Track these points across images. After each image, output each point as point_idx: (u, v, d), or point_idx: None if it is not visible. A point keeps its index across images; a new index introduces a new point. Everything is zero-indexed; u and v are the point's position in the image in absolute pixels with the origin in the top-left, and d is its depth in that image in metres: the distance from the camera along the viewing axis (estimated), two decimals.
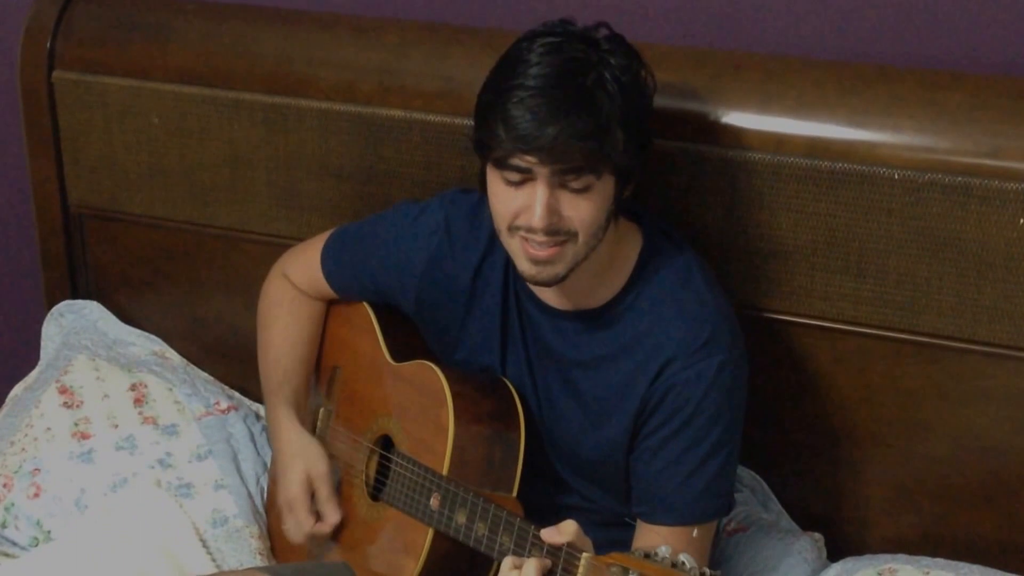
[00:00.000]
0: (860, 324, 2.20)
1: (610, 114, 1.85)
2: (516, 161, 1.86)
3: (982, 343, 2.14)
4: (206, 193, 2.59)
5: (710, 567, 2.04)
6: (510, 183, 1.89)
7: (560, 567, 1.73)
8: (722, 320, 1.98)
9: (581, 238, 1.89)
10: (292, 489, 2.19)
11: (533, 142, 1.82)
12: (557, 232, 1.88)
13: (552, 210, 1.86)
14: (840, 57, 2.24)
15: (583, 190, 1.87)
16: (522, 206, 1.88)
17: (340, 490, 2.21)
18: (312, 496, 2.20)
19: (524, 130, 1.83)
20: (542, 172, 1.85)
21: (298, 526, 2.19)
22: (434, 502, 1.97)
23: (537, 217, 1.86)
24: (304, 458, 2.20)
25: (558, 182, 1.86)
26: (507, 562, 1.76)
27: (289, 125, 2.47)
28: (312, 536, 2.20)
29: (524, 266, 1.93)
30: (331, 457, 2.23)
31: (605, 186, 1.89)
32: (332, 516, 2.18)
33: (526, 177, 1.87)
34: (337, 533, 2.21)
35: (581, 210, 1.88)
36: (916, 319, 2.16)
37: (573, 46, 1.87)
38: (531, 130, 1.82)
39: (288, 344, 2.30)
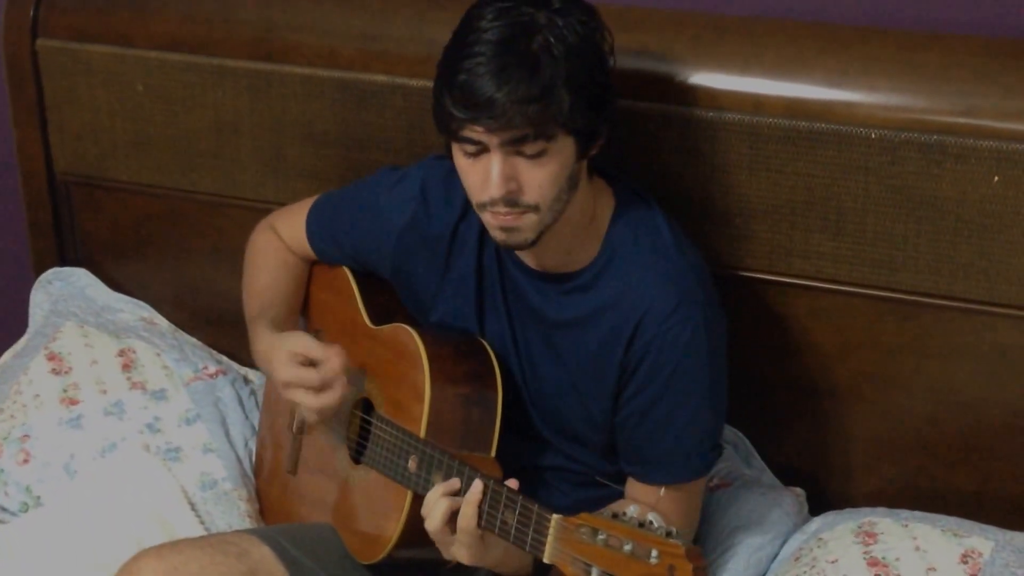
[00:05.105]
0: (839, 282, 2.22)
1: (554, 77, 1.82)
2: (467, 133, 1.85)
3: (959, 299, 2.16)
4: (192, 160, 2.61)
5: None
6: (468, 155, 1.89)
7: (532, 528, 1.75)
8: (694, 280, 1.99)
9: (542, 206, 1.89)
10: (282, 371, 2.07)
11: (479, 111, 1.81)
12: (516, 203, 1.88)
13: (508, 178, 1.86)
14: (817, 18, 2.24)
15: (538, 155, 1.86)
16: (482, 178, 1.88)
17: (323, 452, 2.24)
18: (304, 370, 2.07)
19: (469, 101, 1.82)
20: (493, 142, 1.84)
21: (305, 384, 2.04)
22: (412, 464, 1.98)
23: (493, 187, 1.86)
24: (283, 341, 2.10)
25: (512, 150, 1.85)
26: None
27: (272, 91, 2.48)
28: (326, 385, 2.04)
29: (495, 233, 1.94)
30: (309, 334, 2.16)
31: (562, 149, 1.88)
32: (328, 351, 2.03)
33: (481, 148, 1.86)
34: (321, 495, 2.23)
35: (538, 177, 1.87)
36: (894, 276, 2.18)
37: (522, 9, 1.85)
38: (476, 100, 1.81)
39: (272, 281, 2.29)
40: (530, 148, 1.85)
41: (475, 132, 1.85)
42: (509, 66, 1.81)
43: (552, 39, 1.84)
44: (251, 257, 2.35)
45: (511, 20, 1.84)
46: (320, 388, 2.04)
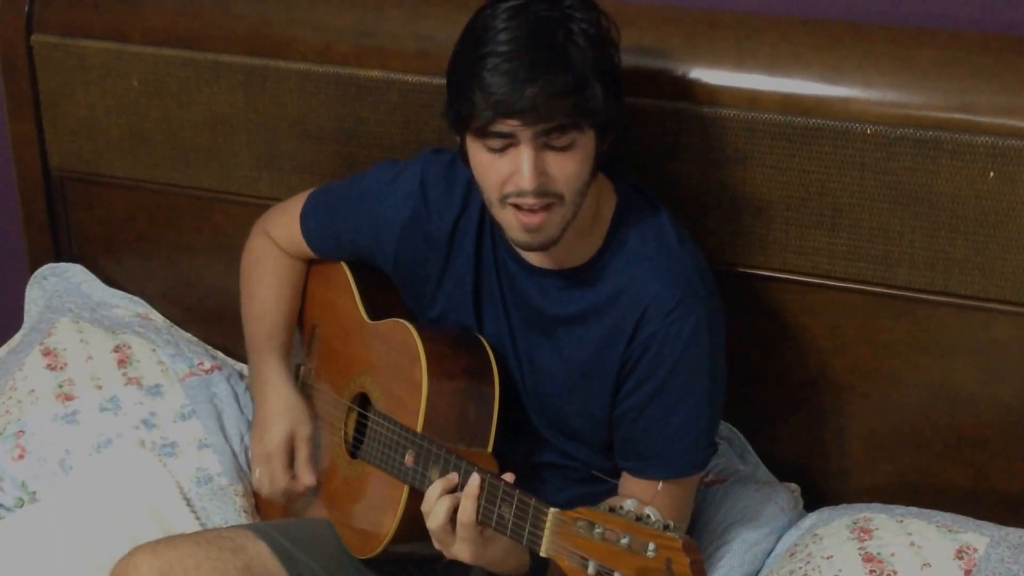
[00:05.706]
0: (834, 278, 2.22)
1: (585, 68, 1.85)
2: (498, 127, 1.85)
3: (954, 295, 2.16)
4: (187, 155, 2.60)
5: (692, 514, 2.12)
6: (493, 151, 1.89)
7: (528, 522, 1.75)
8: (696, 276, 2.00)
9: (567, 198, 1.90)
10: (273, 444, 2.23)
11: (514, 105, 1.82)
12: (546, 193, 1.88)
13: (540, 170, 1.86)
14: (813, 14, 2.25)
15: (567, 147, 1.87)
16: (509, 172, 1.88)
17: (319, 447, 2.24)
18: (291, 455, 2.24)
19: (503, 95, 1.82)
20: (525, 134, 1.85)
21: (272, 481, 2.24)
22: (408, 459, 1.99)
23: (526, 179, 1.86)
24: (290, 417, 2.23)
25: (542, 142, 1.86)
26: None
27: (268, 87, 2.48)
28: (284, 493, 2.24)
29: (518, 235, 1.94)
30: (314, 417, 2.25)
31: (587, 141, 1.89)
32: (306, 478, 2.23)
33: (508, 143, 1.87)
34: (318, 490, 2.23)
35: (566, 168, 1.88)
36: (889, 272, 2.18)
37: (537, 6, 1.86)
38: (510, 94, 1.82)
39: (273, 300, 2.31)
40: (561, 140, 1.87)
41: (507, 125, 1.85)
42: (541, 60, 1.83)
43: (575, 31, 1.86)
44: (248, 267, 2.36)
45: (528, 17, 1.86)
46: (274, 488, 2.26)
